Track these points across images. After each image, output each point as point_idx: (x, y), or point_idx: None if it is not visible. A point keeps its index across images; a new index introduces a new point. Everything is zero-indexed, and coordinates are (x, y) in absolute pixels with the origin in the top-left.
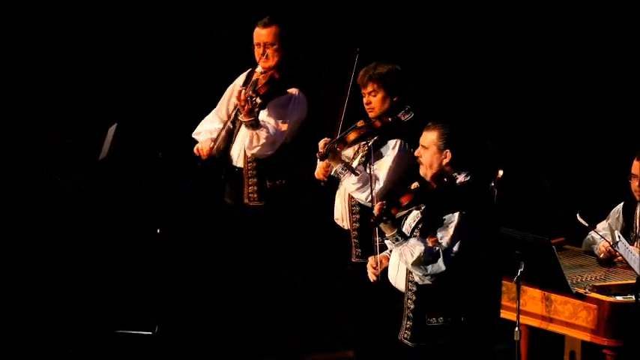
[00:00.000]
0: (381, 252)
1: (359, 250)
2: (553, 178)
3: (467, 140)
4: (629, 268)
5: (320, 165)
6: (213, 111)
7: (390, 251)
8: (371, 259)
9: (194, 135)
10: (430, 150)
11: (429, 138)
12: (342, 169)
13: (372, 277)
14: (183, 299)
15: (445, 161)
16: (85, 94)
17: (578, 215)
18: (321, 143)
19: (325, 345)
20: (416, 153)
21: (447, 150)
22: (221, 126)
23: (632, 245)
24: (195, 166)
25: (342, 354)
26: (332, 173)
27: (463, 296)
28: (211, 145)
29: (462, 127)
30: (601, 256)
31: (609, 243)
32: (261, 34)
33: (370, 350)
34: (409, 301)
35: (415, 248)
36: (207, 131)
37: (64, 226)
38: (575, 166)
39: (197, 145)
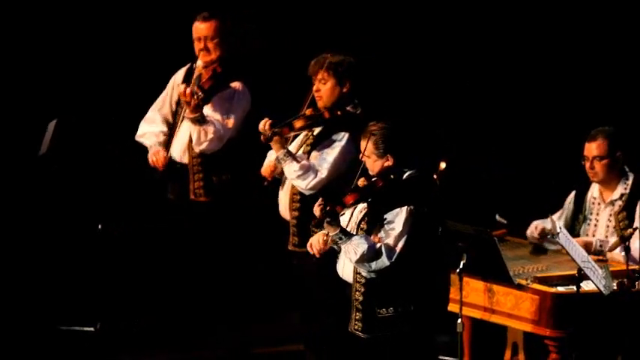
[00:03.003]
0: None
1: (296, 238)
2: (505, 169)
3: (406, 140)
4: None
5: (267, 164)
6: (153, 109)
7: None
8: (316, 239)
9: (137, 138)
10: (371, 158)
11: (368, 147)
12: (285, 155)
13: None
14: (126, 295)
15: (388, 164)
16: (27, 89)
17: (497, 216)
18: (262, 125)
19: (274, 339)
20: (360, 157)
21: (388, 154)
22: (163, 127)
23: (580, 226)
24: (154, 178)
25: (291, 348)
26: (273, 159)
27: (411, 287)
28: (164, 155)
29: (398, 128)
30: (535, 235)
31: (551, 233)
32: (201, 29)
33: (321, 344)
34: (357, 292)
35: (359, 247)
36: (151, 134)
37: (4, 222)
38: (527, 157)
39: (150, 157)
